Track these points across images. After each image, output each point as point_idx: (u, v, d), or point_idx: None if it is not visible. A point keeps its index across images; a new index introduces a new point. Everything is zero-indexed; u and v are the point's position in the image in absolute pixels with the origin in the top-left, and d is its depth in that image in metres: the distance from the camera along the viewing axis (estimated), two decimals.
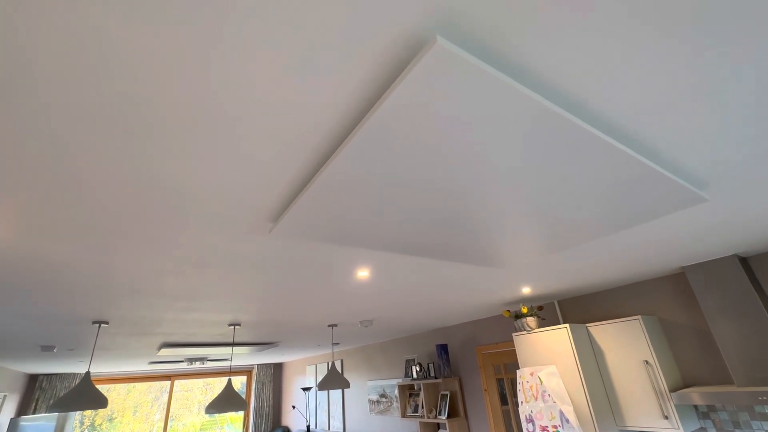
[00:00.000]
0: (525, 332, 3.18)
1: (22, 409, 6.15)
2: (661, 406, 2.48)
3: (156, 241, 1.48)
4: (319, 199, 1.14)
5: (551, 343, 2.97)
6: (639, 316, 2.69)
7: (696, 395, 2.27)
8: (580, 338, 2.90)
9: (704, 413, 2.55)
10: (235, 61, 0.70)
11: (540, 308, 3.27)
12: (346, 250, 1.75)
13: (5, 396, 5.31)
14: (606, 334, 2.87)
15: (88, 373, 2.61)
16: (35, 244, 1.42)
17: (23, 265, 1.60)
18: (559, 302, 3.55)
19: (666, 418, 2.44)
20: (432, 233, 1.48)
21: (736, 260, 2.34)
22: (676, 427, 2.38)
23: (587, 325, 3.00)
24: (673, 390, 2.50)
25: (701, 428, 2.54)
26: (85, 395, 2.47)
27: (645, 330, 2.65)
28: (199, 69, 0.71)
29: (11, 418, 5.50)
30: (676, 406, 2.42)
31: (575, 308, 3.42)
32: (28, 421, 5.51)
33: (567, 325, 2.89)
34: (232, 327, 3.39)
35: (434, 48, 0.63)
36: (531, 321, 3.13)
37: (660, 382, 2.51)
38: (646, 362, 2.60)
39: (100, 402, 2.55)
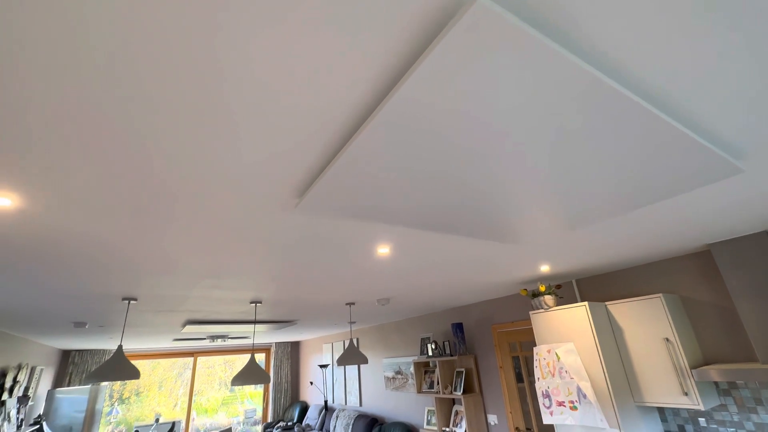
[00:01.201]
0: (542, 310, 3.19)
1: (57, 382, 6.52)
2: (681, 382, 2.48)
3: (188, 219, 1.52)
4: (345, 172, 1.15)
5: (569, 320, 2.98)
6: (660, 294, 2.66)
7: (717, 372, 2.26)
8: (599, 316, 2.89)
9: (725, 390, 2.54)
10: (263, 37, 0.69)
11: (558, 287, 3.26)
12: (367, 227, 1.76)
13: (42, 369, 5.63)
14: (625, 312, 2.86)
15: (120, 347, 2.74)
16: (76, 222, 1.47)
17: (63, 242, 1.67)
18: (576, 281, 3.53)
19: (686, 394, 2.44)
20: (455, 208, 1.47)
21: (767, 237, 2.28)
22: (696, 403, 2.38)
23: (606, 303, 2.98)
24: (693, 367, 2.49)
25: (721, 405, 2.53)
26: (119, 367, 2.60)
27: (666, 308, 2.62)
28: (235, 46, 0.71)
29: (48, 390, 5.84)
30: (696, 382, 2.41)
31: (593, 287, 3.40)
32: (63, 393, 5.85)
33: (585, 303, 2.88)
34: (254, 305, 3.49)
35: (474, 6, 0.62)
36: (549, 299, 3.13)
37: (681, 359, 2.50)
38: (667, 340, 2.59)
39: (133, 373, 2.69)
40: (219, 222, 1.58)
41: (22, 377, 4.79)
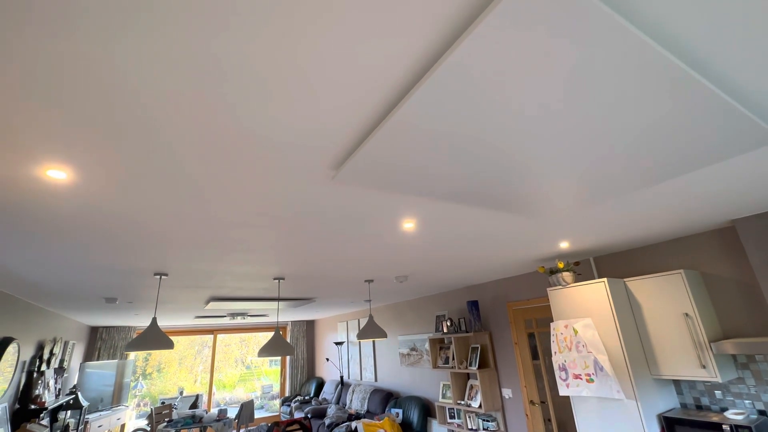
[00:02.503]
0: (560, 287, 3.23)
1: (87, 356, 6.87)
2: (699, 356, 2.52)
3: (224, 193, 1.59)
4: (382, 146, 1.19)
5: (587, 297, 3.02)
6: (681, 270, 2.68)
7: (734, 345, 2.30)
8: (618, 292, 2.93)
9: (743, 363, 2.57)
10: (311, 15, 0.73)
11: (577, 264, 3.29)
12: (397, 200, 1.81)
13: (74, 344, 5.93)
14: (645, 288, 2.88)
15: (154, 319, 2.89)
16: (121, 196, 1.55)
17: (108, 216, 1.76)
18: (594, 259, 3.55)
19: (703, 367, 2.49)
20: (487, 179, 1.51)
21: None
22: (714, 375, 2.43)
23: (625, 279, 3.01)
24: (712, 341, 2.53)
25: (739, 378, 2.58)
26: (155, 337, 2.75)
27: (687, 283, 2.65)
28: (283, 26, 0.74)
29: (81, 363, 6.16)
30: (714, 355, 2.45)
31: (612, 265, 3.42)
32: (92, 368, 6.17)
33: (605, 279, 2.91)
34: (277, 281, 3.60)
35: None
36: (567, 276, 3.17)
37: (700, 334, 2.54)
38: (686, 315, 2.62)
39: (167, 343, 2.83)
40: (255, 193, 1.65)
41: (58, 350, 5.06)
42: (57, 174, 1.36)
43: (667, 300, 2.74)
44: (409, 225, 2.18)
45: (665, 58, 0.87)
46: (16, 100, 0.97)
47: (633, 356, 2.74)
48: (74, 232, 1.96)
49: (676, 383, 2.89)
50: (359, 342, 7.26)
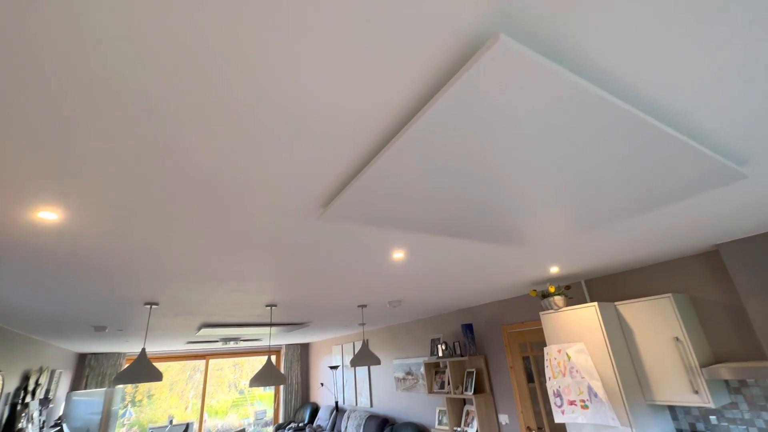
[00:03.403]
0: (552, 311, 3.24)
1: (75, 385, 6.67)
2: (691, 381, 2.52)
3: (212, 229, 1.61)
4: (367, 187, 1.23)
5: (579, 321, 3.03)
6: (670, 294, 2.71)
7: (727, 370, 2.31)
8: (609, 316, 2.94)
9: (735, 388, 2.57)
10: (298, 63, 0.77)
11: (568, 287, 3.31)
12: (385, 234, 1.84)
13: (61, 373, 5.77)
14: (635, 312, 2.90)
15: (143, 350, 2.84)
16: (110, 233, 1.57)
17: (98, 251, 1.77)
18: (586, 282, 3.58)
19: (696, 392, 2.48)
20: (473, 215, 1.55)
21: None
22: (707, 401, 2.42)
23: (616, 303, 3.03)
24: (703, 366, 2.53)
25: (732, 403, 2.57)
26: (143, 369, 2.70)
27: (676, 307, 2.67)
28: (270, 72, 0.79)
29: (67, 393, 5.98)
30: (706, 381, 2.46)
31: (603, 287, 3.44)
32: (80, 396, 5.99)
33: (595, 303, 2.93)
34: (269, 308, 3.58)
35: (497, 44, 0.69)
36: (558, 300, 3.19)
37: (691, 358, 2.55)
38: (677, 339, 2.63)
39: (156, 376, 2.78)
40: (244, 230, 1.67)
41: (44, 380, 4.93)
42: (48, 215, 1.38)
43: (657, 324, 2.76)
44: (399, 255, 2.20)
45: (610, 103, 0.92)
46: (8, 147, 1.00)
47: (626, 382, 2.73)
48: (63, 265, 1.96)
49: (671, 409, 2.88)
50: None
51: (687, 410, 2.78)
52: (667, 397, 2.64)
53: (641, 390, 2.79)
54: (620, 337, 2.92)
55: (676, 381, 2.61)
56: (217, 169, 1.17)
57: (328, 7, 0.66)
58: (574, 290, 3.67)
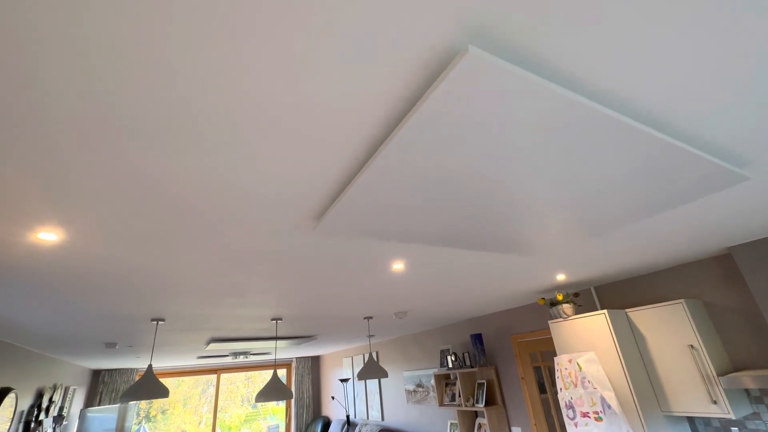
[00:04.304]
0: (561, 319, 3.17)
1: (89, 401, 6.74)
2: (708, 390, 2.42)
3: (211, 244, 1.62)
4: (358, 198, 1.23)
5: (589, 329, 2.95)
6: (682, 300, 2.62)
7: (748, 379, 2.21)
8: (620, 324, 2.86)
9: (757, 397, 2.46)
10: (280, 77, 0.78)
11: (576, 295, 3.24)
12: (381, 245, 1.83)
13: (75, 389, 5.84)
14: (647, 319, 2.81)
15: (150, 367, 2.86)
16: (111, 252, 1.59)
17: (100, 270, 1.80)
18: (595, 288, 3.49)
19: (715, 402, 2.38)
20: (470, 226, 1.53)
21: None
22: (726, 412, 2.32)
23: (627, 310, 2.95)
24: (721, 374, 2.43)
25: (754, 413, 2.45)
26: (150, 386, 2.72)
27: (689, 314, 2.58)
28: (258, 85, 0.80)
29: (81, 409, 6.04)
30: (725, 390, 2.35)
31: (613, 294, 3.36)
32: (94, 412, 6.04)
33: (605, 311, 2.85)
34: (275, 321, 3.58)
35: (467, 56, 0.69)
36: (567, 308, 3.11)
37: (707, 367, 2.45)
38: (691, 347, 2.54)
39: (163, 392, 2.79)
40: (240, 246, 1.68)
41: (57, 397, 4.99)
42: (48, 236, 1.41)
43: (670, 331, 2.67)
44: (398, 266, 2.19)
45: (595, 110, 0.90)
46: (10, 173, 1.03)
47: (640, 392, 2.63)
48: (67, 285, 2.00)
49: (690, 420, 2.76)
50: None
51: (707, 421, 2.66)
52: (685, 408, 2.53)
53: (657, 400, 2.69)
54: (632, 346, 2.83)
55: (692, 391, 2.51)
56: (209, 190, 1.18)
57: (304, 25, 0.67)
58: (583, 297, 3.58)
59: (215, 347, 4.81)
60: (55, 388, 4.91)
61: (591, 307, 3.50)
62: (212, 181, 1.15)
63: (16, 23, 0.61)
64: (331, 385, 8.51)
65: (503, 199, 1.32)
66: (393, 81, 0.81)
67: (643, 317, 2.84)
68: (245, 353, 6.20)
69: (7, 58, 0.68)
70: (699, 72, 0.88)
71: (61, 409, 5.16)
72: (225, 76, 0.75)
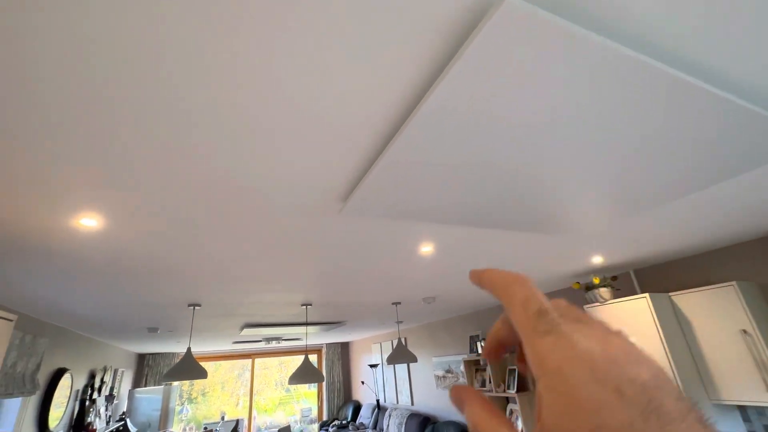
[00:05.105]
0: (598, 304, 3.03)
1: (136, 383, 7.20)
2: (764, 378, 2.25)
3: (241, 231, 1.64)
4: (384, 176, 1.19)
5: (629, 314, 2.81)
6: (734, 283, 2.43)
7: None
8: (663, 308, 2.70)
9: None
10: (304, 56, 0.75)
11: (614, 278, 3.08)
12: (409, 226, 1.79)
13: (123, 371, 6.25)
14: (693, 302, 2.64)
15: (189, 349, 2.99)
16: (149, 239, 1.65)
17: (137, 256, 1.87)
18: (635, 271, 3.31)
19: None
20: (499, 201, 1.46)
21: None
22: None
23: (670, 293, 2.78)
24: None
25: None
26: (189, 367, 2.84)
27: (741, 297, 2.39)
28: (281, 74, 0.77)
29: (129, 390, 6.47)
30: None
31: (655, 277, 3.17)
32: (141, 393, 6.45)
33: (647, 294, 2.70)
34: (305, 307, 3.64)
35: (503, 6, 0.63)
36: (604, 292, 2.98)
37: (762, 353, 2.27)
38: (744, 332, 2.36)
39: (201, 373, 2.92)
40: (269, 231, 1.69)
41: (108, 378, 5.36)
42: (89, 222, 1.47)
43: (720, 316, 2.49)
44: (426, 249, 2.15)
45: (649, 65, 0.82)
46: (55, 160, 1.07)
47: (686, 380, 2.49)
48: (107, 271, 2.09)
49: (742, 409, 2.59)
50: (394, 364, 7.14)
51: (761, 411, 2.49)
52: (736, 397, 2.37)
53: (704, 389, 2.54)
54: (677, 331, 2.67)
55: (745, 379, 2.34)
56: (237, 174, 1.18)
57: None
58: (621, 281, 3.41)
59: (249, 332, 4.98)
60: (105, 370, 5.27)
61: (630, 292, 3.33)
62: (263, 170, 1.14)
63: (80, 20, 0.61)
64: (360, 371, 8.67)
65: (537, 168, 1.25)
66: (425, 43, 0.76)
67: (688, 301, 2.67)
68: (278, 339, 6.40)
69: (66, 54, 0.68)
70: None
71: (111, 389, 5.54)
72: (268, 82, 0.73)
